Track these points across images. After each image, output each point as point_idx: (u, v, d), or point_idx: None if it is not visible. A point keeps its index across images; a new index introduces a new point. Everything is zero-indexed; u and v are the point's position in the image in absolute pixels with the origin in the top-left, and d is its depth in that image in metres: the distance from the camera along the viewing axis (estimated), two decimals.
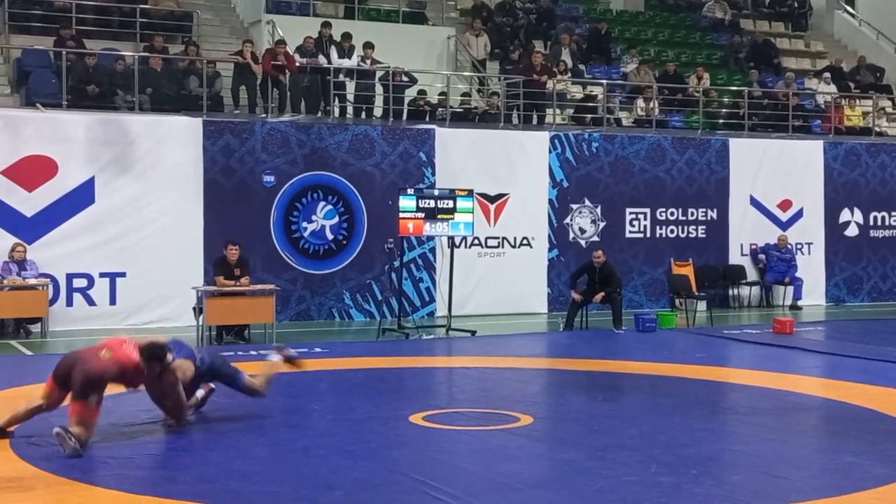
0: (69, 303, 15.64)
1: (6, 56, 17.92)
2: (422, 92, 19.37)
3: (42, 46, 17.65)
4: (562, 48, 22.30)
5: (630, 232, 19.38)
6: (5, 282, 14.63)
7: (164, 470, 7.68)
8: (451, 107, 19.24)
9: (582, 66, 22.46)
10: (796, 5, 28.32)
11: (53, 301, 15.33)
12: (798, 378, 12.08)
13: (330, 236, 17.35)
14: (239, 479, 7.22)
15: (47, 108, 16.16)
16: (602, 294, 16.04)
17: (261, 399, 9.56)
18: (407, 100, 19.19)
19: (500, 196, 18.41)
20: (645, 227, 19.48)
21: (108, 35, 18.99)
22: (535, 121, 19.93)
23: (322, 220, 17.31)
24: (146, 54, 17.68)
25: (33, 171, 15.49)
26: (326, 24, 19.38)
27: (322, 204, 17.30)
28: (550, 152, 18.79)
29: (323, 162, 17.29)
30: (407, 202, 15.52)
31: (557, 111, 20.22)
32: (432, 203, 15.61)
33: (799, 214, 20.61)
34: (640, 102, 21.50)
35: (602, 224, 19.12)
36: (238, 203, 16.62)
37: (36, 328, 15.10)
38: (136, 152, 16.09)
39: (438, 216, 15.63)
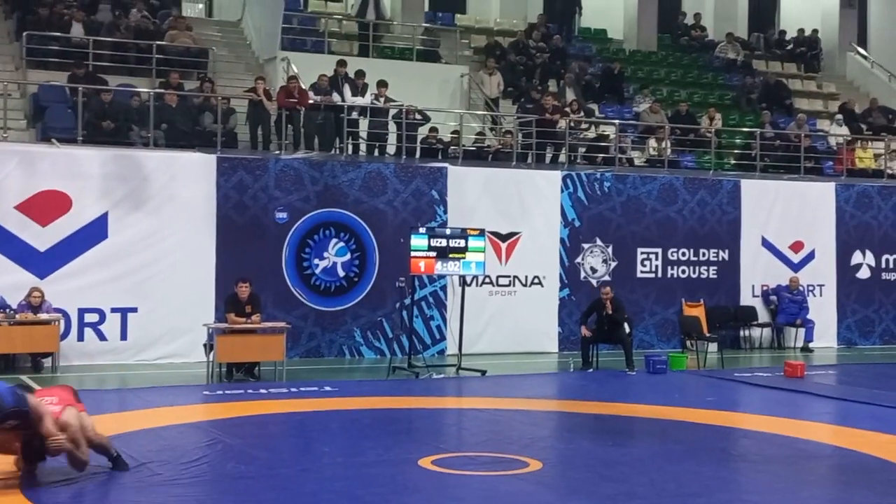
0: (80, 337, 15.67)
1: (23, 91, 18.07)
2: (434, 130, 19.46)
3: (58, 82, 17.81)
4: (566, 87, 22.41)
5: (641, 272, 19.36)
6: (17, 316, 14.67)
7: None
8: (464, 145, 19.33)
9: (593, 105, 22.55)
10: (808, 47, 28.42)
11: (65, 336, 15.38)
12: (809, 424, 12.01)
13: (342, 273, 17.38)
14: None
15: (63, 144, 16.27)
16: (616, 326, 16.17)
17: (269, 440, 9.56)
18: (420, 137, 19.29)
19: (512, 234, 18.44)
20: (656, 266, 19.47)
21: (124, 71, 19.16)
22: (547, 160, 19.98)
23: (334, 257, 17.35)
24: (162, 90, 17.82)
25: (47, 205, 15.58)
26: (342, 63, 19.51)
27: (334, 241, 17.35)
28: (563, 191, 18.82)
29: (336, 199, 17.36)
30: (419, 241, 15.55)
31: (568, 150, 20.26)
32: (444, 242, 15.65)
33: (811, 256, 20.57)
34: (653, 142, 21.56)
35: (614, 264, 19.11)
36: (250, 239, 16.68)
37: (47, 362, 15.12)
38: (150, 188, 16.18)
39: (450, 255, 15.65)
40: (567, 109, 20.84)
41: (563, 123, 20.14)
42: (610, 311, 16.40)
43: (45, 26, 19.13)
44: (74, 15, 19.65)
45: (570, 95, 22.69)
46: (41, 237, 15.53)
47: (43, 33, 18.81)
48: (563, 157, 20.11)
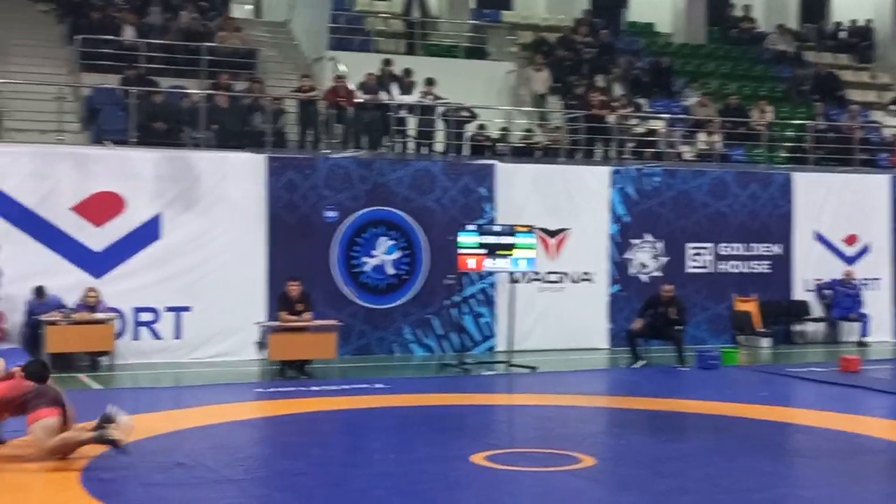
0: (135, 336, 15.89)
1: (76, 94, 18.32)
2: (482, 127, 19.46)
3: (111, 84, 18.04)
4: (614, 82, 22.28)
5: (692, 267, 19.21)
6: (74, 316, 14.90)
7: None
8: (512, 142, 19.29)
9: (641, 100, 22.41)
10: (861, 37, 28.01)
11: (120, 335, 15.60)
12: (865, 419, 11.85)
13: (391, 271, 17.44)
14: None
15: (116, 145, 16.49)
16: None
17: (321, 437, 9.62)
18: (467, 135, 19.29)
19: (561, 231, 18.39)
20: (707, 261, 19.32)
21: (174, 72, 19.34)
22: (596, 156, 19.91)
23: (383, 255, 17.42)
24: (212, 91, 17.99)
25: (102, 207, 15.80)
26: (387, 62, 19.57)
27: (383, 239, 17.41)
28: (611, 187, 18.74)
29: (384, 197, 17.42)
30: (468, 238, 15.58)
31: (617, 145, 20.16)
32: (493, 239, 15.66)
33: (865, 249, 20.29)
34: (702, 136, 21.38)
35: (664, 259, 18.98)
36: (300, 238, 16.79)
37: (104, 361, 15.33)
38: (201, 188, 16.35)
39: (499, 252, 15.66)
40: (615, 104, 20.73)
41: (611, 119, 20.04)
42: (669, 311, 16.22)
43: (98, 30, 19.37)
44: (126, 18, 19.91)
45: (618, 91, 22.58)
46: (96, 238, 15.75)
47: (95, 37, 19.05)
48: (611, 153, 20.01)
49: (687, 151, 21.40)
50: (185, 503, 7.62)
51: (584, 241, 18.48)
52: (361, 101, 18.34)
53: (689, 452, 9.81)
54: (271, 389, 13.50)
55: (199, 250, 16.26)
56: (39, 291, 15.09)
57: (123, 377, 14.80)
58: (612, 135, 19.96)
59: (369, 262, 17.30)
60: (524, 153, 19.50)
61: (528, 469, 8.89)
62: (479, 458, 9.14)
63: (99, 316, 15.10)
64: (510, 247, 15.69)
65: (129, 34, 19.60)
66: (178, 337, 16.13)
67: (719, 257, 19.38)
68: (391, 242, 17.45)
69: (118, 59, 18.70)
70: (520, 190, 18.14)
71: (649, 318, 16.44)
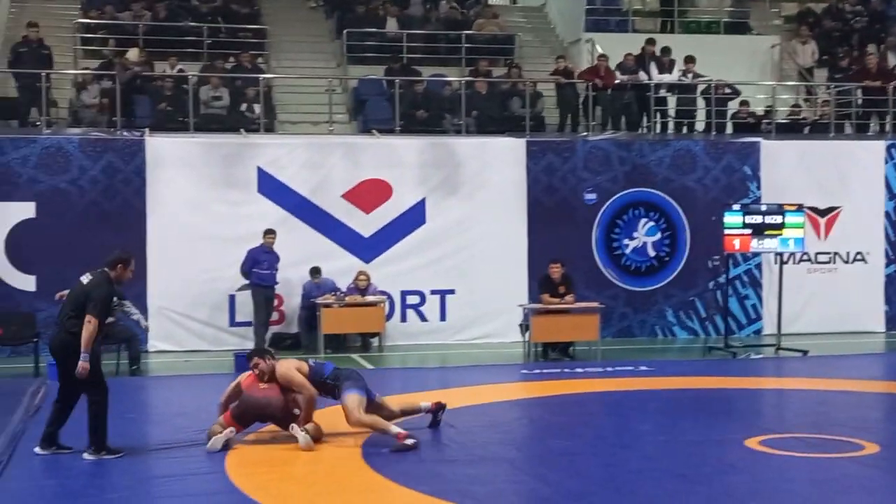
0: (403, 318, 16.45)
1: (344, 86, 19.12)
2: (745, 104, 18.87)
3: (376, 76, 18.71)
4: (888, 51, 21.02)
5: None
6: (347, 299, 15.58)
7: (497, 486, 7.82)
8: (777, 118, 18.62)
9: None
10: None
11: (389, 317, 16.18)
12: None
13: (652, 253, 17.24)
14: (577, 500, 7.30)
15: (382, 134, 17.10)
16: None
17: (589, 418, 9.62)
18: (730, 113, 18.76)
19: (831, 209, 17.62)
20: None
21: (435, 61, 19.88)
22: (870, 130, 18.89)
23: (644, 236, 17.25)
24: (471, 78, 18.33)
25: (370, 193, 16.44)
26: (650, 41, 19.19)
27: (644, 220, 17.24)
28: (887, 162, 17.77)
29: (644, 178, 17.23)
30: (733, 218, 15.19)
31: (893, 118, 19.04)
32: (759, 219, 15.19)
33: None
34: None
35: None
36: (560, 221, 16.86)
37: (375, 342, 15.97)
38: (463, 174, 16.71)
39: (766, 232, 15.17)
40: (893, 75, 19.58)
41: (888, 90, 18.93)
42: None
43: (363, 23, 20.17)
44: (389, 10, 20.60)
45: (892, 60, 21.28)
46: (366, 224, 16.40)
47: (361, 30, 19.83)
48: (887, 126, 18.93)
49: None
50: (461, 480, 7.79)
51: (857, 220, 17.65)
52: (619, 81, 18.17)
53: None
54: (536, 371, 13.65)
55: (462, 234, 16.63)
56: (316, 271, 15.84)
57: (393, 358, 15.37)
58: (886, 107, 18.86)
59: (630, 244, 17.17)
60: (790, 129, 18.77)
61: (806, 455, 8.57)
62: (753, 443, 8.88)
63: (370, 299, 15.72)
64: (778, 226, 15.16)
65: (392, 26, 20.28)
66: (443, 319, 16.60)
67: None
68: (651, 224, 17.24)
69: (382, 51, 19.38)
70: (785, 168, 17.52)
71: None
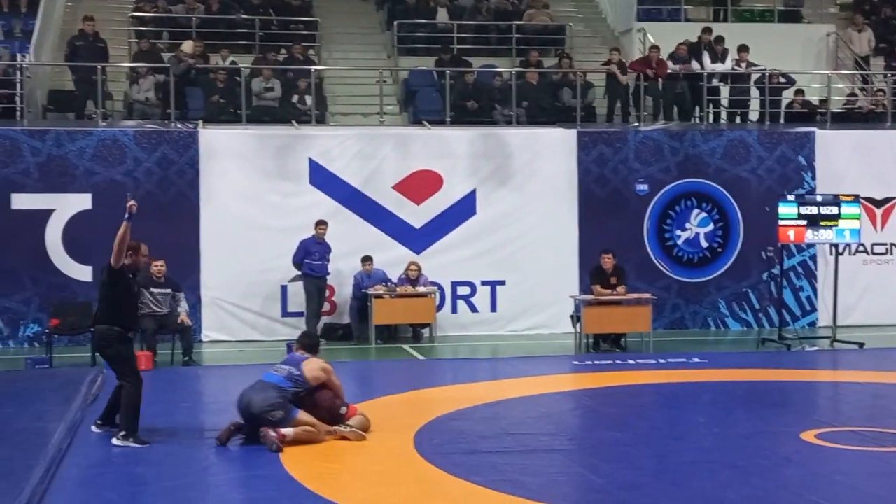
0: (454, 309, 16.46)
1: (395, 77, 19.17)
2: (800, 93, 18.63)
3: (426, 67, 18.72)
4: None
5: None
6: (398, 290, 15.63)
7: (550, 477, 7.82)
8: (833, 108, 18.37)
9: None
10: None
11: (440, 307, 16.21)
12: None
13: (704, 244, 17.10)
14: (630, 490, 7.29)
15: (432, 125, 17.11)
16: None
17: (641, 409, 9.57)
18: (784, 102, 18.53)
19: (888, 200, 17.36)
20: None
21: (485, 52, 19.84)
22: None
23: (696, 227, 17.11)
24: (522, 69, 18.28)
25: (421, 185, 16.45)
26: (707, 30, 18.89)
27: (696, 211, 17.09)
28: None
29: (696, 169, 17.09)
30: (787, 209, 15.02)
31: None
32: (815, 210, 15.01)
33: None
34: None
35: None
36: (611, 212, 16.77)
37: (426, 333, 16.01)
38: (513, 164, 16.67)
39: (821, 223, 14.99)
40: None
41: None
42: None
43: (413, 14, 20.17)
44: (439, 1, 20.56)
45: None
46: (416, 214, 16.42)
47: (411, 21, 19.85)
48: None
49: None
50: (514, 471, 7.80)
51: None
52: (671, 71, 18.02)
53: None
54: (587, 362, 13.62)
55: (512, 225, 16.60)
56: (367, 258, 15.87)
57: (444, 348, 15.40)
58: None
59: (682, 235, 17.04)
60: (845, 119, 18.51)
61: (864, 449, 8.48)
62: (809, 436, 8.81)
63: (421, 290, 15.76)
64: (834, 217, 14.98)
65: (442, 17, 20.26)
66: (493, 310, 16.57)
67: None
68: (704, 214, 17.10)
69: (432, 42, 19.38)
70: (841, 158, 17.28)
71: None
